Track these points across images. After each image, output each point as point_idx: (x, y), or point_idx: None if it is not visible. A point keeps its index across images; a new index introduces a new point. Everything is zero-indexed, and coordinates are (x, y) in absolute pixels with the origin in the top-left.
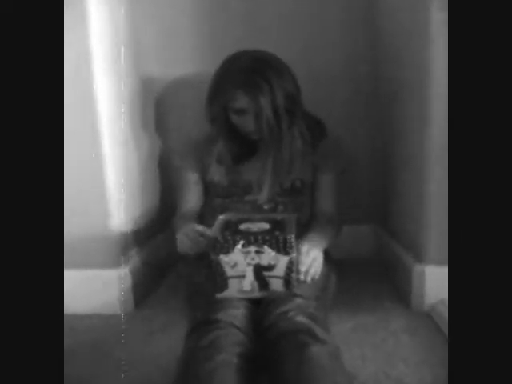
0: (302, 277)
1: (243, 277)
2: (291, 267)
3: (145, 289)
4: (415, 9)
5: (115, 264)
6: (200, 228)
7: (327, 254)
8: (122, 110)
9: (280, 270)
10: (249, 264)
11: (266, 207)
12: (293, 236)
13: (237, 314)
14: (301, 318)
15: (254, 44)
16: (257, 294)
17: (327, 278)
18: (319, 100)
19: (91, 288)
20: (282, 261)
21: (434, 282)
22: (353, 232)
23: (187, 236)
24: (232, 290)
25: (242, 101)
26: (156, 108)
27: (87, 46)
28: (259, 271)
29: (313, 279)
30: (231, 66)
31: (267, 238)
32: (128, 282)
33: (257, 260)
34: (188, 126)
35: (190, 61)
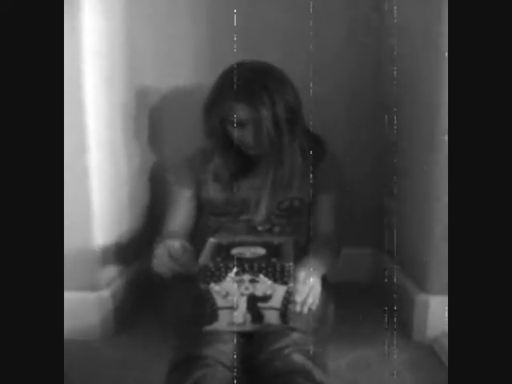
0: (298, 307)
1: (235, 308)
2: (288, 298)
3: (127, 314)
4: (421, 22)
5: (95, 286)
6: (183, 243)
7: (324, 280)
8: (113, 118)
9: (276, 300)
10: (242, 294)
11: (260, 228)
12: (291, 264)
13: (226, 350)
14: (298, 357)
15: (254, 56)
16: (249, 327)
17: (325, 307)
18: (317, 117)
19: (68, 311)
20: (279, 291)
21: (437, 312)
22: (349, 255)
23: (168, 252)
24: (222, 323)
25: (240, 112)
26: (150, 119)
27: (79, 53)
28: (253, 302)
29: (310, 310)
30: (230, 76)
31: (263, 265)
32: (109, 305)
33: (251, 290)
34: (183, 139)
35: (187, 72)
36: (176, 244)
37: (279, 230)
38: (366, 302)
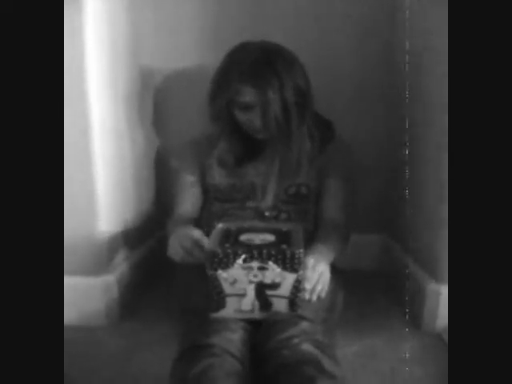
0: (307, 295)
1: (243, 295)
2: (298, 286)
3: (132, 299)
4: (433, 11)
5: (100, 271)
6: (197, 235)
7: (333, 267)
8: (117, 102)
9: (285, 288)
10: (250, 281)
11: (267, 214)
12: (301, 251)
13: (233, 339)
14: (307, 347)
15: (261, 35)
16: (257, 315)
17: (334, 295)
18: (327, 100)
19: (73, 297)
20: (289, 279)
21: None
22: (359, 242)
23: (180, 243)
24: (229, 310)
25: (248, 95)
26: (154, 103)
27: (81, 34)
28: (262, 290)
29: (319, 298)
30: (236, 57)
31: (273, 252)
32: (114, 291)
33: (260, 277)
34: (188, 123)
35: (192, 53)
36: (189, 236)
37: (286, 217)
38: (375, 290)
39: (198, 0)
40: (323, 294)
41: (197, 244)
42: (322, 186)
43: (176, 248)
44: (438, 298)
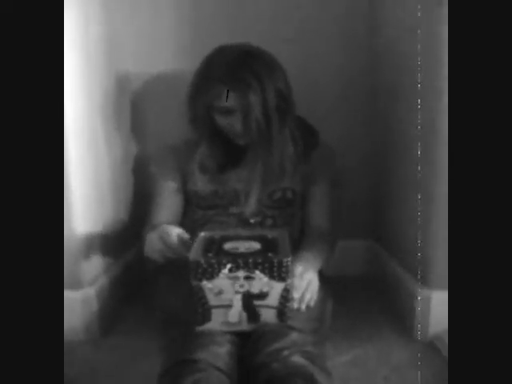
0: (295, 304)
1: (229, 306)
2: (286, 296)
3: (113, 313)
4: (416, 9)
5: (78, 284)
6: (178, 230)
7: (320, 274)
8: (92, 107)
9: (273, 298)
10: (237, 292)
11: (252, 221)
12: (289, 259)
13: (220, 353)
14: (297, 359)
15: (240, 39)
16: (245, 327)
17: (323, 304)
18: (309, 104)
19: None
20: (276, 288)
21: (440, 308)
22: (344, 247)
23: (160, 237)
24: (215, 322)
25: (228, 99)
26: (132, 108)
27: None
28: (249, 300)
29: (308, 307)
30: (216, 59)
31: (259, 260)
32: (93, 305)
33: (246, 287)
34: (167, 128)
35: (171, 57)
36: (170, 231)
37: (272, 223)
38: (363, 297)
39: (176, 4)
40: (312, 303)
41: (178, 238)
42: (307, 192)
43: (154, 245)
44: (429, 304)
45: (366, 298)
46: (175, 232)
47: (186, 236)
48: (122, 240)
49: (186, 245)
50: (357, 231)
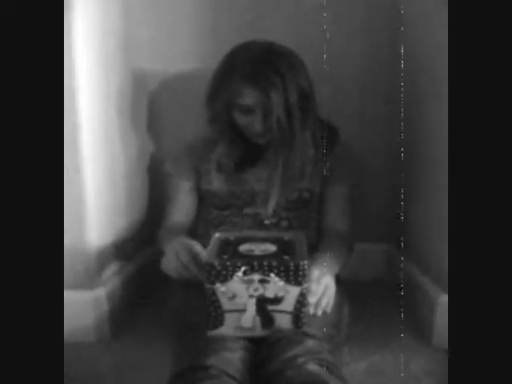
0: (311, 310)
1: (243, 311)
2: (302, 300)
3: (124, 315)
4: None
5: (89, 285)
6: (196, 248)
7: (337, 279)
8: (108, 106)
9: (289, 303)
10: (251, 296)
11: (267, 222)
12: (306, 262)
13: (232, 359)
14: (313, 367)
15: (263, 37)
16: (259, 333)
17: (340, 309)
18: (329, 102)
19: None
20: (292, 292)
21: None
22: (361, 251)
23: (178, 256)
24: (228, 327)
25: (249, 97)
26: (149, 106)
27: (70, 35)
28: (263, 304)
29: (324, 312)
30: (237, 56)
31: (275, 263)
32: (104, 306)
33: (261, 291)
34: (184, 127)
35: (189, 55)
36: (187, 248)
37: (287, 224)
38: (380, 302)
39: (197, 1)
40: (329, 309)
41: (195, 258)
42: (325, 192)
43: (172, 262)
44: None
45: (382, 303)
46: (193, 250)
47: (203, 254)
48: (136, 240)
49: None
50: (374, 234)
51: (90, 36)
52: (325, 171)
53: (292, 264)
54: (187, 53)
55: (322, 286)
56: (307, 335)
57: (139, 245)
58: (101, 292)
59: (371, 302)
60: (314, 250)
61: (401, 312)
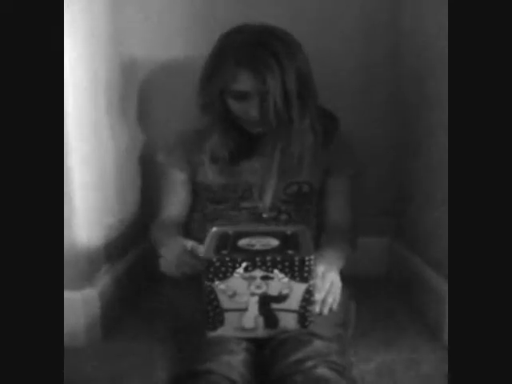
0: (317, 308)
1: (244, 310)
2: (308, 298)
3: (116, 316)
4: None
5: (80, 284)
6: (192, 246)
7: (341, 274)
8: (97, 94)
9: (294, 301)
10: (253, 294)
11: (265, 216)
12: (312, 257)
13: (234, 363)
14: (323, 370)
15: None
16: (262, 333)
17: (347, 307)
18: (327, 89)
19: None
20: (298, 290)
21: None
22: (362, 246)
23: (175, 256)
24: (229, 328)
25: (244, 81)
26: (139, 95)
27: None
28: (266, 303)
29: (330, 310)
30: (231, 40)
31: (278, 258)
32: (95, 306)
33: (263, 288)
34: (176, 116)
35: (181, 41)
36: (183, 247)
37: (286, 218)
38: (385, 299)
39: None
40: (335, 306)
41: (190, 251)
42: (325, 184)
43: (170, 262)
44: None
45: (388, 299)
46: (189, 247)
47: (200, 249)
48: (127, 238)
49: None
50: (375, 228)
51: (75, 24)
52: (324, 163)
53: (297, 259)
54: (178, 40)
55: (328, 283)
56: (314, 335)
57: (131, 242)
58: (91, 292)
59: (375, 298)
60: (315, 244)
61: (408, 309)
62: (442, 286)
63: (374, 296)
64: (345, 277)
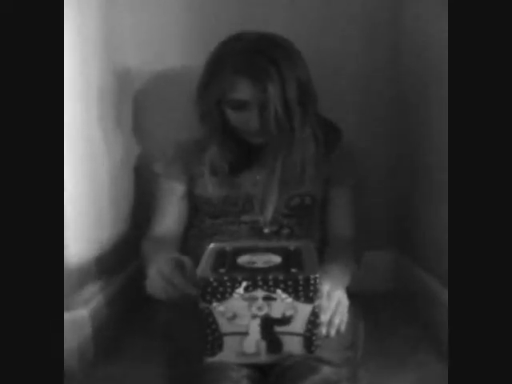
0: (323, 330)
1: (245, 334)
2: (314, 320)
3: (109, 338)
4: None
5: (71, 305)
6: (183, 260)
7: (348, 292)
8: (89, 106)
9: (299, 323)
10: (254, 316)
11: (266, 230)
12: (317, 276)
13: None
14: None
15: (256, 29)
16: (264, 359)
17: (355, 327)
18: (329, 101)
19: None
20: (302, 311)
21: None
22: (367, 259)
23: (160, 273)
24: (229, 353)
25: (242, 90)
26: (134, 106)
27: None
28: (269, 326)
29: (338, 332)
30: (230, 46)
31: (281, 277)
32: (87, 328)
33: (266, 310)
34: (173, 128)
35: (177, 51)
36: (169, 261)
37: (288, 232)
38: (391, 316)
39: None
40: (343, 328)
41: (183, 273)
42: (328, 196)
43: (156, 281)
44: None
45: (394, 316)
46: (176, 261)
47: (189, 265)
48: (121, 255)
49: (189, 276)
50: (379, 241)
51: (66, 31)
52: (327, 174)
53: (301, 278)
54: (174, 48)
55: (334, 302)
56: (322, 361)
57: (125, 259)
58: (82, 312)
59: (381, 315)
60: (319, 259)
61: (416, 324)
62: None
63: (379, 313)
64: (351, 294)
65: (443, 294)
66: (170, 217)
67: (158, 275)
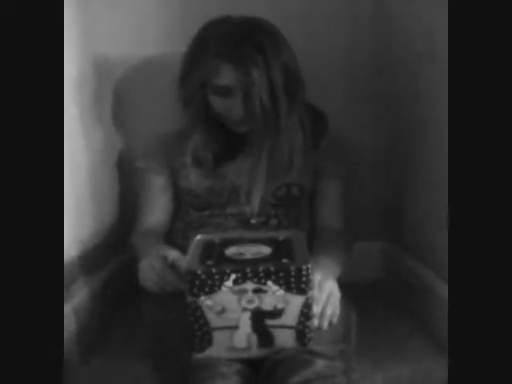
0: (315, 322)
1: (235, 328)
2: (307, 312)
3: (94, 334)
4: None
5: None
6: (173, 256)
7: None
8: (67, 98)
9: (291, 316)
10: (244, 309)
11: (253, 221)
12: (309, 266)
13: None
14: None
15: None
16: (256, 353)
17: (348, 319)
18: (316, 88)
19: None
20: (294, 303)
21: None
22: (356, 250)
23: (153, 268)
24: (218, 348)
25: (226, 75)
26: (114, 97)
27: None
28: (259, 319)
29: (330, 324)
30: (213, 30)
31: (272, 268)
32: (71, 324)
33: (256, 303)
34: (155, 118)
35: (158, 39)
36: (162, 258)
37: (276, 223)
38: (383, 307)
39: None
40: (335, 319)
41: (170, 265)
42: (317, 187)
43: (149, 275)
44: None
45: (386, 307)
46: (167, 257)
47: (182, 261)
48: (105, 249)
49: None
50: (369, 232)
51: None
52: (315, 164)
53: (293, 268)
54: (157, 37)
55: (326, 293)
56: (315, 354)
57: (109, 253)
58: (66, 309)
59: (372, 306)
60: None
61: (409, 314)
62: (442, 289)
63: (371, 304)
64: (342, 285)
65: (435, 284)
66: (156, 211)
67: (150, 269)
